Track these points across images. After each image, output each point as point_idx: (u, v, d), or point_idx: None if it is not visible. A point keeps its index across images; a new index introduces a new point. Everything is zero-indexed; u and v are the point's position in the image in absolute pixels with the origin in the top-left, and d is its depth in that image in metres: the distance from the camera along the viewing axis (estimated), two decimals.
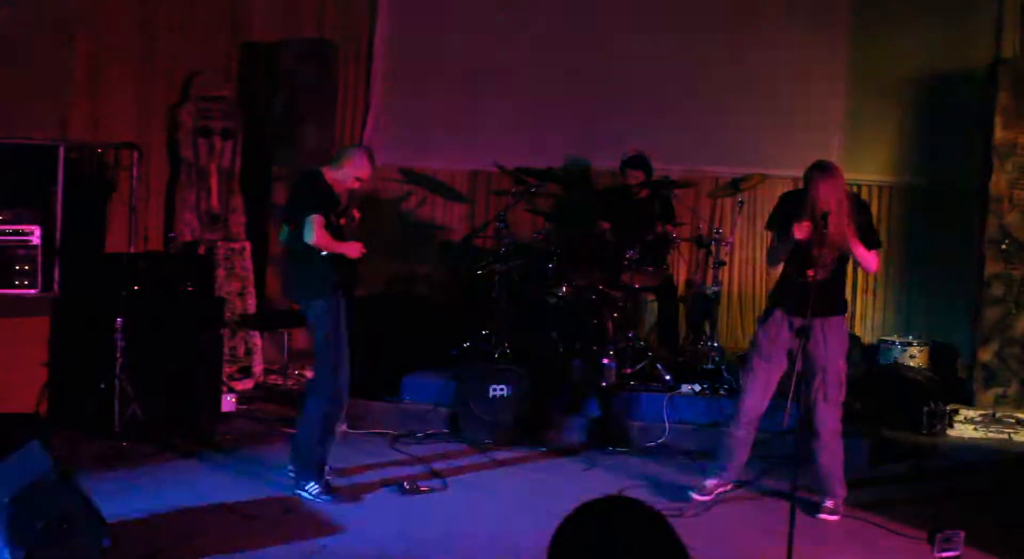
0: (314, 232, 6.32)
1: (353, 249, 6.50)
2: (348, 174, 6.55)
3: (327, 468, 6.66)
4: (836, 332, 6.38)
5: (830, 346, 6.35)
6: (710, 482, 6.66)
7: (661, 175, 9.16)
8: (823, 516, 6.37)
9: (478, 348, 8.63)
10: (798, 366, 6.15)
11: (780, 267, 6.59)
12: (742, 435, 6.59)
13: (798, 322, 6.26)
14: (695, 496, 6.61)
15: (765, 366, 6.47)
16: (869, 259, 6.35)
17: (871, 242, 6.35)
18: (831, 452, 6.43)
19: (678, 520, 6.06)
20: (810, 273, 6.14)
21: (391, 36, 10.48)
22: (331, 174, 6.56)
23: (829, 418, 6.40)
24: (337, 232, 6.52)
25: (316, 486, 6.47)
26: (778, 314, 6.47)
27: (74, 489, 5.14)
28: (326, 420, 6.52)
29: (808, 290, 6.02)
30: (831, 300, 6.35)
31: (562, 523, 2.49)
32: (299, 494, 6.47)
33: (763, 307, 7.07)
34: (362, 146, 7.03)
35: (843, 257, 6.35)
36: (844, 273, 6.51)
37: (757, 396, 6.51)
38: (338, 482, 6.68)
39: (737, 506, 6.55)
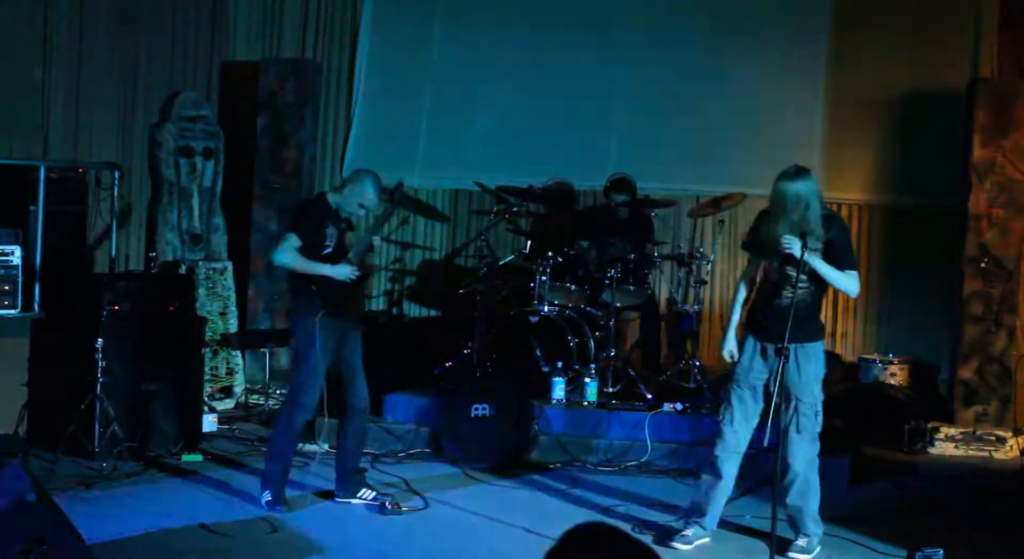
0: (279, 252, 6.41)
1: (340, 271, 6.49)
2: (350, 199, 6.58)
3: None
4: (812, 359, 5.95)
5: (805, 374, 5.94)
6: (691, 532, 6.19)
7: (642, 194, 9.20)
8: (792, 555, 5.99)
9: (460, 367, 8.64)
10: (775, 387, 5.80)
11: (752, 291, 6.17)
12: (720, 479, 6.14)
13: (773, 350, 5.93)
14: (678, 545, 6.10)
15: (742, 399, 6.07)
16: (845, 282, 5.90)
17: (843, 263, 5.89)
18: (804, 487, 6.00)
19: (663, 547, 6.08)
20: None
21: (373, 55, 10.50)
22: (335, 197, 6.62)
23: (802, 451, 5.96)
24: (334, 255, 6.53)
25: (268, 495, 6.56)
26: (751, 342, 6.07)
27: (54, 510, 5.11)
28: (287, 434, 6.61)
29: (780, 314, 5.76)
30: (806, 325, 5.91)
31: (549, 551, 2.48)
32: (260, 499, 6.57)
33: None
34: (369, 171, 6.82)
35: (819, 280, 5.90)
36: (820, 297, 6.11)
37: (736, 432, 6.09)
38: (320, 502, 6.73)
39: (719, 528, 6.52)
